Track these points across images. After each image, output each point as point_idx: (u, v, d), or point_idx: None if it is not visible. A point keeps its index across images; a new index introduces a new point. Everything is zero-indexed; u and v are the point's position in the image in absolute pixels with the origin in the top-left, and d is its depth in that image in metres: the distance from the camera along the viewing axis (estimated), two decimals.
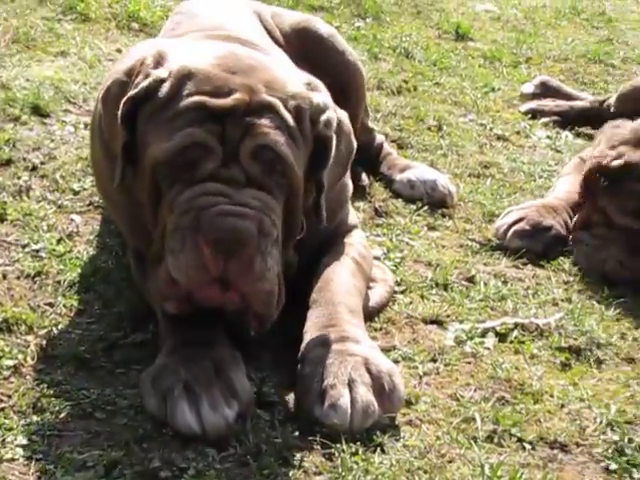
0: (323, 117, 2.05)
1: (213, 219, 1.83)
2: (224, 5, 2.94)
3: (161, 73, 1.98)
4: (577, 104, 4.30)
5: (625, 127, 2.99)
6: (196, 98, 1.93)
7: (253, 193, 1.90)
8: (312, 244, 2.22)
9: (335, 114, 2.10)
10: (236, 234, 1.81)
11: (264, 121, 1.92)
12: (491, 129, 4.02)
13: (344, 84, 3.05)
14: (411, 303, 2.51)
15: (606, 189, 2.82)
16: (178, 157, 1.90)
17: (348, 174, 2.42)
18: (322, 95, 2.10)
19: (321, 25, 3.12)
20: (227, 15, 2.80)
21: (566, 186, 3.20)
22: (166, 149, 1.90)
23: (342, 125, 2.15)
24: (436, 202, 3.16)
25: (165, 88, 1.95)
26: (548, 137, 4.06)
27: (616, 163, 2.81)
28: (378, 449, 1.89)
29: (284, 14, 3.18)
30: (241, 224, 1.82)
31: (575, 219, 2.95)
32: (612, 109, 4.03)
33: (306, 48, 3.02)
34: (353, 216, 2.49)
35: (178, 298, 1.89)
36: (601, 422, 2.07)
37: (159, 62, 2.01)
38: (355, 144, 2.25)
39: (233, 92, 1.94)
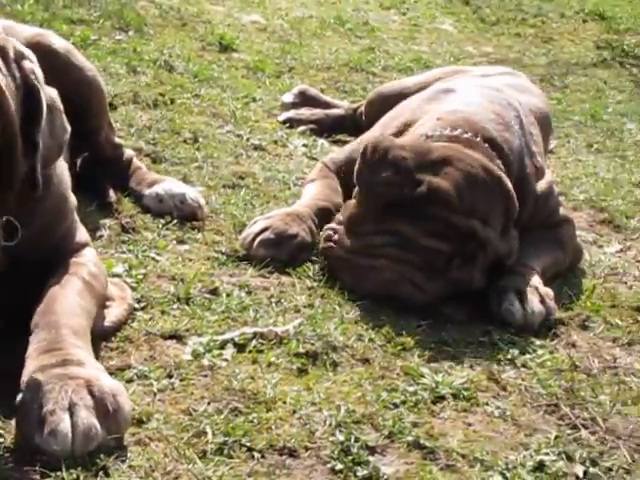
0: (28, 64, 2.07)
1: None
2: None
3: None
4: (333, 112, 4.45)
5: (404, 148, 2.99)
6: None
7: None
8: (35, 262, 2.17)
9: (41, 73, 2.15)
10: None
11: None
12: (248, 139, 4.08)
13: (84, 101, 3.02)
14: (151, 319, 2.49)
15: (405, 213, 2.83)
16: None
17: (68, 185, 2.39)
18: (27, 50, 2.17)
19: (56, 40, 3.05)
20: None
21: (312, 193, 3.29)
22: None
23: (55, 101, 2.21)
24: (186, 215, 3.16)
25: None
26: (304, 145, 4.17)
27: (420, 190, 2.84)
28: (101, 472, 1.86)
29: (17, 28, 3.09)
30: None
31: (339, 237, 2.94)
32: (363, 117, 4.21)
33: (42, 64, 2.94)
34: (82, 233, 2.44)
35: None
36: (330, 424, 2.14)
37: None
38: (69, 128, 2.26)
39: None
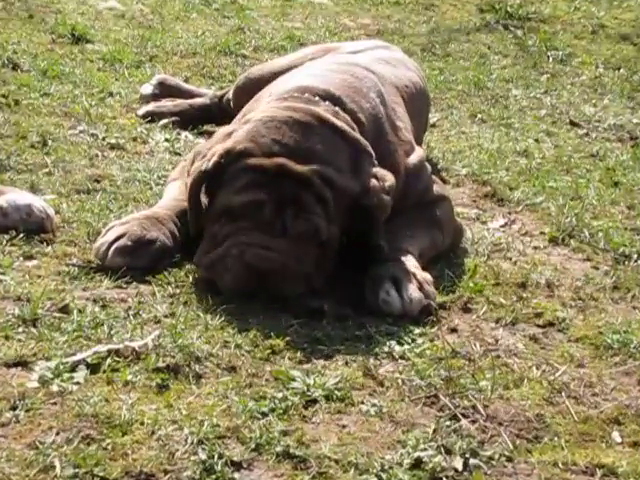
0: None
1: None
2: None
3: None
4: (197, 101, 4.42)
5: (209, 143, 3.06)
6: None
7: None
8: None
9: None
10: None
11: None
12: (104, 138, 4.02)
13: None
14: None
15: (216, 193, 2.87)
16: None
17: None
18: None
19: None
20: None
21: (173, 193, 3.26)
22: None
23: None
24: (33, 228, 3.09)
25: None
26: (167, 140, 4.13)
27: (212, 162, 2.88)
28: None
29: None
30: None
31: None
32: (232, 104, 4.18)
33: None
34: None
35: None
36: (192, 442, 2.12)
37: None
38: None
39: None
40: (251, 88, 3.91)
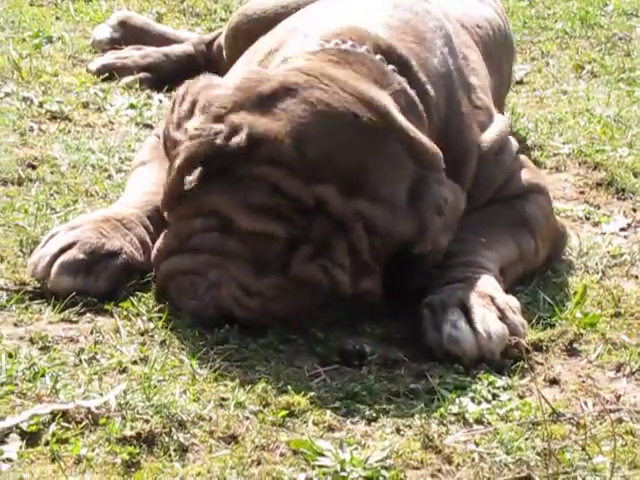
0: None
1: None
2: None
3: None
4: (175, 50, 4.48)
5: (226, 85, 3.06)
6: None
7: None
8: None
9: None
10: None
11: None
12: (41, 104, 4.08)
13: None
14: None
15: (216, 180, 2.88)
16: None
17: None
18: None
19: None
20: None
21: (143, 183, 3.30)
22: None
23: None
24: None
25: None
26: (132, 106, 4.18)
27: (236, 140, 2.86)
28: None
29: None
30: None
31: (161, 243, 2.98)
32: (224, 51, 4.23)
33: None
34: None
35: None
36: None
37: None
38: None
39: None
40: (250, 31, 3.96)
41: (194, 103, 2.96)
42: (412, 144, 2.95)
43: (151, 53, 4.46)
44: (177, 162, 2.89)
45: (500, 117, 3.39)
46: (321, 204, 2.84)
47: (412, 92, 3.07)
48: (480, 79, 3.36)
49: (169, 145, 3.00)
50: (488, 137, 3.25)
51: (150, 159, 3.40)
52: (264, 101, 2.88)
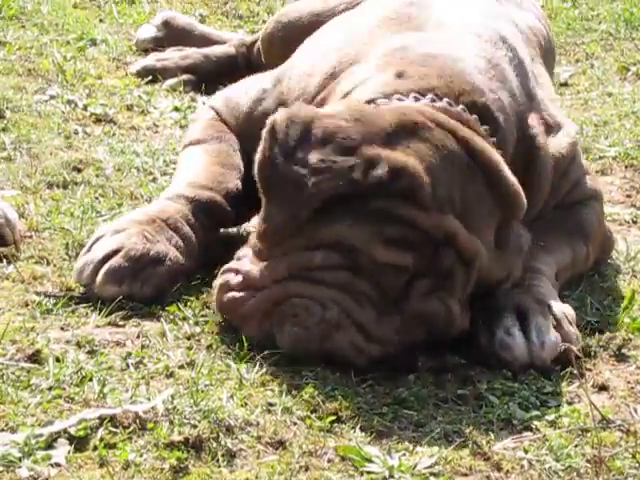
0: None
1: None
2: None
3: None
4: (216, 51, 4.48)
5: (341, 116, 2.88)
6: None
7: None
8: None
9: None
10: None
11: None
12: (86, 107, 4.10)
13: None
14: None
15: (350, 212, 2.80)
16: None
17: None
18: None
19: None
20: None
21: (191, 170, 3.28)
22: None
23: None
24: None
25: None
26: (176, 109, 4.20)
27: (377, 173, 2.79)
28: None
29: None
30: None
31: (244, 277, 2.85)
32: (262, 55, 4.23)
33: None
34: None
35: None
36: None
37: None
38: None
39: None
40: (285, 37, 3.97)
41: (305, 132, 2.86)
42: (507, 190, 2.94)
43: (191, 54, 4.46)
44: (303, 195, 2.80)
45: (569, 125, 3.36)
46: (450, 237, 2.82)
47: (491, 138, 3.04)
48: (545, 90, 3.35)
49: (269, 180, 2.87)
50: (558, 148, 3.23)
51: (203, 138, 3.38)
52: (390, 136, 2.84)
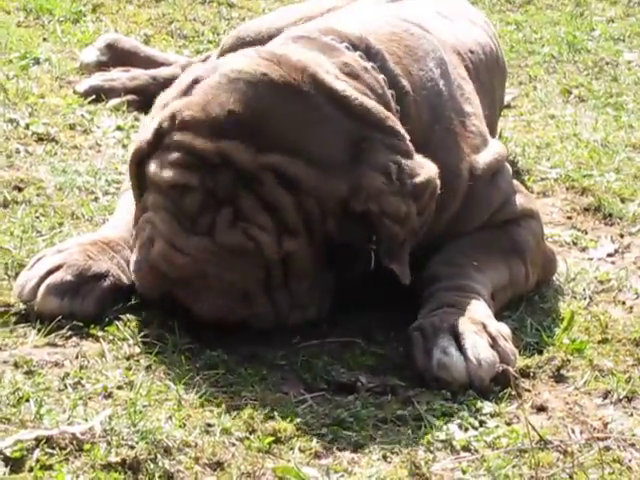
0: None
1: None
2: None
3: None
4: (163, 72, 4.49)
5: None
6: None
7: None
8: None
9: None
10: None
11: None
12: (28, 126, 4.09)
13: None
14: None
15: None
16: None
17: None
18: None
19: None
20: None
21: (130, 205, 3.29)
22: None
23: None
24: None
25: None
26: (119, 128, 4.20)
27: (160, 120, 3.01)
28: None
29: None
30: None
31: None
32: None
33: None
34: None
35: None
36: None
37: None
38: None
39: None
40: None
41: None
42: (347, 103, 2.95)
43: (139, 75, 4.47)
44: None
45: (496, 142, 3.40)
46: (226, 158, 2.88)
47: (375, 73, 3.07)
48: (474, 107, 3.36)
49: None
50: (483, 160, 3.25)
51: None
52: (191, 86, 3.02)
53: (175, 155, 2.92)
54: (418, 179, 2.96)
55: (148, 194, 2.99)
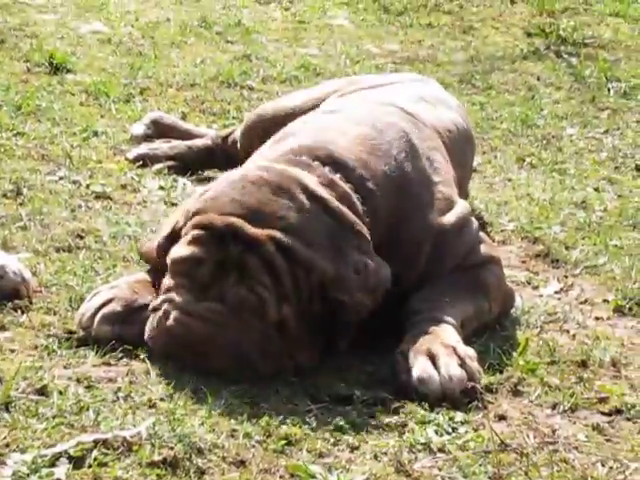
0: None
1: None
2: None
3: None
4: (196, 143, 4.50)
5: None
6: None
7: None
8: None
9: None
10: None
11: None
12: (88, 186, 4.09)
13: None
14: None
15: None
16: None
17: None
18: None
19: None
20: None
21: None
22: None
23: None
24: (7, 294, 3.13)
25: None
26: (161, 188, 4.19)
27: None
28: None
29: None
30: None
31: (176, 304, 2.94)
32: (239, 145, 4.25)
33: None
34: None
35: None
36: None
37: None
38: None
39: None
40: (264, 128, 3.97)
41: None
42: (326, 204, 2.97)
43: (177, 145, 4.49)
44: None
45: (461, 202, 3.40)
46: (235, 231, 2.86)
47: (343, 185, 3.05)
48: (442, 176, 3.36)
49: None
50: (448, 220, 3.26)
51: None
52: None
53: (190, 235, 2.91)
54: (377, 278, 2.98)
55: (166, 277, 2.96)
